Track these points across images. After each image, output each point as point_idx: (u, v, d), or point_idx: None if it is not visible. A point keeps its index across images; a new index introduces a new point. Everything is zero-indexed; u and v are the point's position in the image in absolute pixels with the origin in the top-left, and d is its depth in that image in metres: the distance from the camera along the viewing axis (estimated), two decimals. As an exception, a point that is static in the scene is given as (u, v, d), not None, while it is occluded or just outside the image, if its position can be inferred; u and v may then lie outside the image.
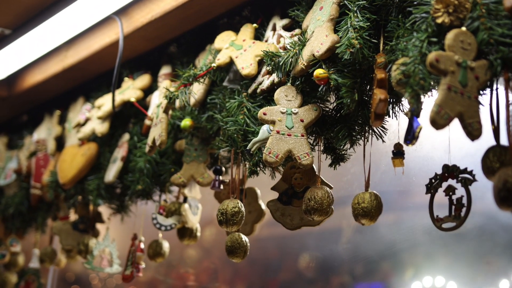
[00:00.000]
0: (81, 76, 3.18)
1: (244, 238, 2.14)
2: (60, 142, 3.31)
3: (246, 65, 2.20)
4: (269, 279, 3.59)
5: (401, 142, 1.89)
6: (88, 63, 3.00)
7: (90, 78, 3.19)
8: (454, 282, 3.07)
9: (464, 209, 1.74)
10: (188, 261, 3.51)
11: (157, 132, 2.28)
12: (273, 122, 1.94)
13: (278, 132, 1.91)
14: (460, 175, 1.78)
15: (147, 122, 2.68)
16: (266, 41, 2.28)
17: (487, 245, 2.86)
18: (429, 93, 1.60)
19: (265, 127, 2.02)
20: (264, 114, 1.95)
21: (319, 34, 1.93)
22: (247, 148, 2.06)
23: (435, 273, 3.05)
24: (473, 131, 1.54)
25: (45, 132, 3.38)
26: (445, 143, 1.85)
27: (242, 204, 2.09)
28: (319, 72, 1.86)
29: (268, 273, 3.53)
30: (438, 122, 1.50)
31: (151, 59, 2.93)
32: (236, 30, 2.40)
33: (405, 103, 1.92)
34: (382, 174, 2.16)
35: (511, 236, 2.85)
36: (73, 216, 3.12)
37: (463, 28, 1.59)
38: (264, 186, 2.42)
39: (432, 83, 1.60)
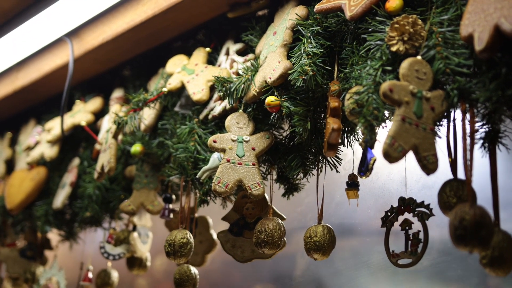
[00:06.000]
0: (33, 98, 3.07)
1: (194, 270, 2.04)
2: (11, 165, 3.18)
3: (197, 90, 2.11)
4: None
5: (356, 173, 1.82)
6: (39, 85, 2.89)
7: (41, 100, 3.08)
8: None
9: (420, 245, 1.67)
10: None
11: (106, 158, 2.18)
12: (223, 150, 1.85)
13: (228, 161, 1.83)
14: (417, 209, 1.71)
15: (97, 146, 2.58)
16: (219, 65, 2.19)
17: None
18: (383, 124, 1.53)
19: (216, 155, 1.94)
20: (214, 141, 1.86)
21: (271, 60, 1.86)
22: (197, 176, 1.97)
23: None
24: (428, 165, 1.46)
25: (-5, 155, 3.26)
26: (402, 175, 1.78)
27: (191, 235, 1.99)
28: (270, 99, 1.79)
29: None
30: (391, 155, 1.42)
31: (104, 82, 2.83)
32: (190, 53, 2.32)
33: (360, 133, 1.85)
34: (337, 206, 2.09)
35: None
36: (21, 243, 2.99)
37: (418, 57, 1.52)
38: (216, 215, 2.33)
39: (386, 113, 1.54)
